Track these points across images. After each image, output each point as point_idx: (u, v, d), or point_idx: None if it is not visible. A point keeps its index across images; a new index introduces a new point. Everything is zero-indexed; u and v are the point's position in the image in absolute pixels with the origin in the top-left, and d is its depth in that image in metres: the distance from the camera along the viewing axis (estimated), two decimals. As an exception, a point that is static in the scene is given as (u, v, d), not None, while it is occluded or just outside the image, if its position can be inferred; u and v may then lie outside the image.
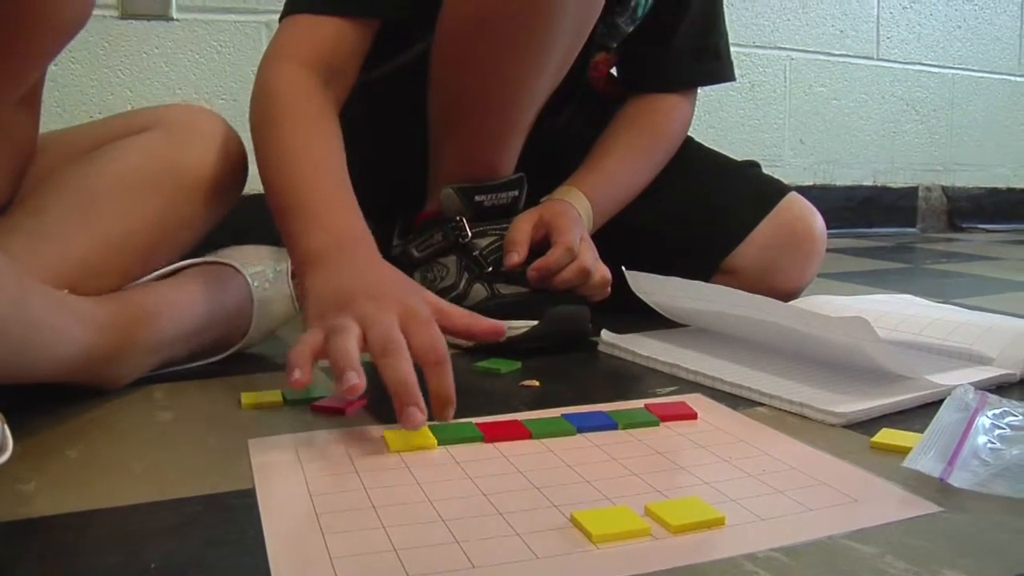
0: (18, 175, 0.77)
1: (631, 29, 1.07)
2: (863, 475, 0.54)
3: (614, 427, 0.63)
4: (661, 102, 1.11)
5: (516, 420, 0.63)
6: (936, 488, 0.51)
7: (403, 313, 0.63)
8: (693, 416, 0.65)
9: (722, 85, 1.18)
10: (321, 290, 0.68)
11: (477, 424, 0.61)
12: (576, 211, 0.96)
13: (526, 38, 0.84)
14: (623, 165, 1.06)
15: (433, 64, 0.91)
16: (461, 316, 0.69)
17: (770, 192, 1.09)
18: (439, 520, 0.47)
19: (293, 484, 0.52)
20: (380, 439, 0.60)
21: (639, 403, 0.67)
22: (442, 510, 0.48)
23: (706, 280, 0.95)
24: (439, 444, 0.59)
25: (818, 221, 1.09)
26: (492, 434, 0.60)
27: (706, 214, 1.08)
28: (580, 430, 0.62)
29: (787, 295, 1.06)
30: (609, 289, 0.91)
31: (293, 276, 0.85)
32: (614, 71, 1.15)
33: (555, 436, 0.61)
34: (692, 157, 1.14)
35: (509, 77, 0.87)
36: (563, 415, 0.64)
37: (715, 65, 1.14)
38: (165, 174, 0.79)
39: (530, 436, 0.60)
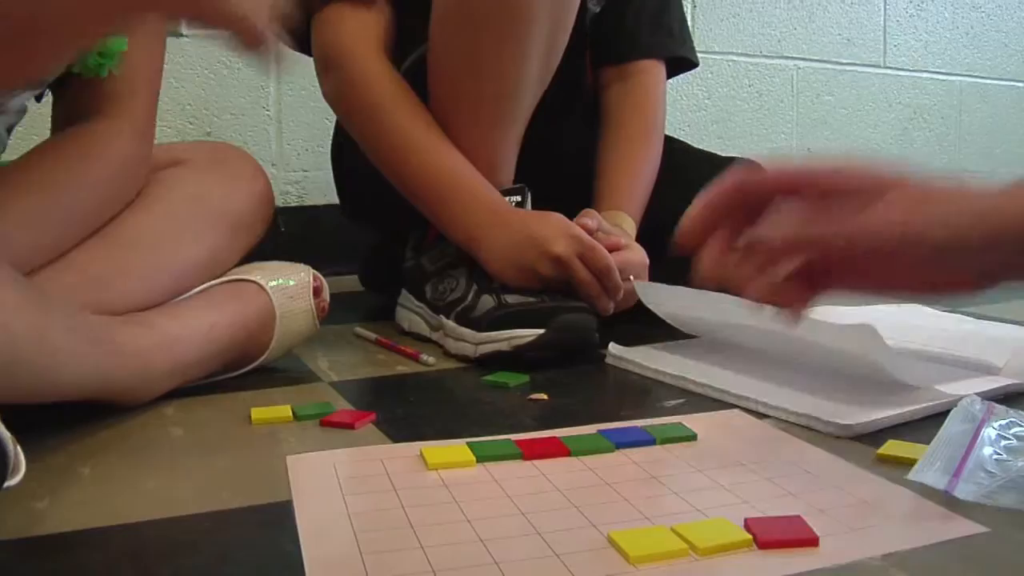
0: None
1: (598, 10, 1.11)
2: (900, 492, 0.53)
3: (652, 442, 0.63)
4: (632, 80, 1.14)
5: (555, 437, 0.62)
6: (942, 501, 0.51)
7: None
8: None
9: (729, 95, 1.20)
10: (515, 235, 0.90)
11: (516, 441, 0.61)
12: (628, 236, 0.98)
13: (508, 17, 0.88)
14: (637, 157, 1.09)
15: (429, 59, 0.94)
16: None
17: None
18: (477, 540, 0.47)
19: (331, 502, 0.52)
20: (418, 456, 0.60)
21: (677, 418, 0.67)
22: (480, 530, 0.48)
23: None
24: (477, 461, 0.58)
25: None
26: (531, 451, 0.60)
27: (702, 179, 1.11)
28: (618, 446, 0.61)
29: None
30: (612, 306, 0.91)
31: (315, 293, 0.85)
32: None
33: (593, 453, 0.61)
34: (684, 152, 1.17)
35: (495, 59, 0.90)
36: (600, 431, 0.64)
37: (669, 40, 1.18)
38: (193, 208, 0.80)
39: (569, 453, 0.60)
